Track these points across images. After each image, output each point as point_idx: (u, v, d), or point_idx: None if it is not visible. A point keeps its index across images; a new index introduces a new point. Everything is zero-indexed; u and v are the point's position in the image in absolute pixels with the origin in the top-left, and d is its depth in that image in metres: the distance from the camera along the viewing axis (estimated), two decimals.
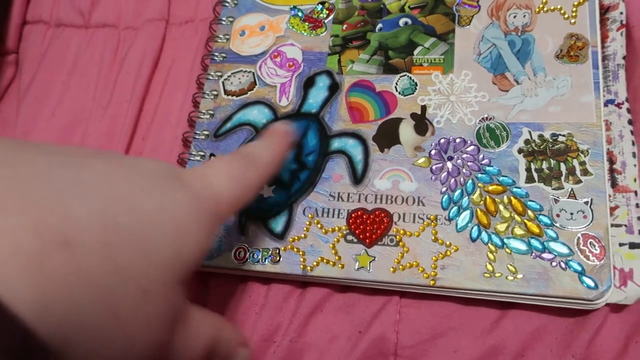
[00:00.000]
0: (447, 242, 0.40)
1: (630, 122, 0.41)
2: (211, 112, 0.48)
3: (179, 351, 0.28)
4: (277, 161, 0.36)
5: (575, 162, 0.40)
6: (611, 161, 0.40)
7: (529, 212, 0.39)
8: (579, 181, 0.39)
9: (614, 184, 0.40)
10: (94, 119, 0.52)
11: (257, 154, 0.35)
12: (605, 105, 0.42)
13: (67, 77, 0.55)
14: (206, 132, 0.48)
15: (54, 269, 0.20)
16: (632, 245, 0.38)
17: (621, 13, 0.44)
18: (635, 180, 0.39)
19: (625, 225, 0.38)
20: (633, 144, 0.40)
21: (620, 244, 0.38)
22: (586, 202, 0.39)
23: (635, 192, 0.39)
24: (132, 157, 0.30)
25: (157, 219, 0.26)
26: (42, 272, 0.20)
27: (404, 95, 0.45)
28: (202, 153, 0.47)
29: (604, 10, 0.44)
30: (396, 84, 0.46)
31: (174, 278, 0.26)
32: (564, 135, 0.41)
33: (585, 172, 0.40)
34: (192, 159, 0.47)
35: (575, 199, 0.39)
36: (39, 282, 0.19)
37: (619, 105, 0.42)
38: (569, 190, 0.39)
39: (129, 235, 0.24)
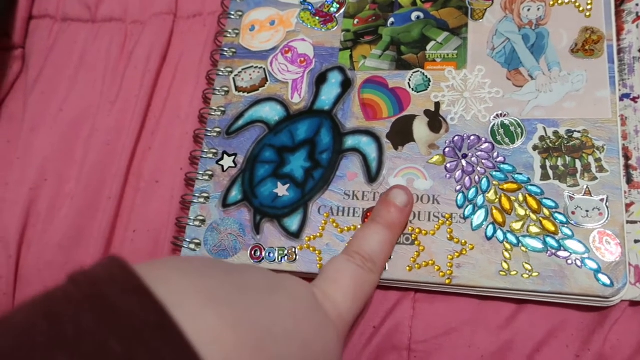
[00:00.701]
0: (463, 241, 0.40)
1: None
2: (222, 109, 0.48)
3: None
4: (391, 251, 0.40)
5: (591, 159, 0.40)
6: (627, 157, 0.40)
7: (545, 210, 0.39)
8: (595, 178, 0.39)
9: (629, 180, 0.40)
10: (101, 113, 0.52)
11: (378, 256, 0.38)
12: (621, 99, 0.41)
13: (74, 71, 0.54)
14: (218, 129, 0.47)
15: None
16: None
17: (637, 4, 0.43)
18: None
19: None
20: None
21: (636, 241, 0.38)
22: (602, 200, 0.39)
23: None
24: (282, 279, 0.33)
25: (326, 354, 0.31)
26: None
27: (417, 92, 0.45)
28: (214, 150, 0.47)
29: (620, 2, 0.44)
30: (409, 80, 0.45)
31: None
32: (579, 132, 0.41)
33: (601, 169, 0.39)
34: (204, 156, 0.47)
35: (591, 196, 0.39)
36: None
37: (634, 100, 0.41)
38: (585, 187, 0.39)
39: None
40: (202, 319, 0.23)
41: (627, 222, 0.39)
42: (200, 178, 0.46)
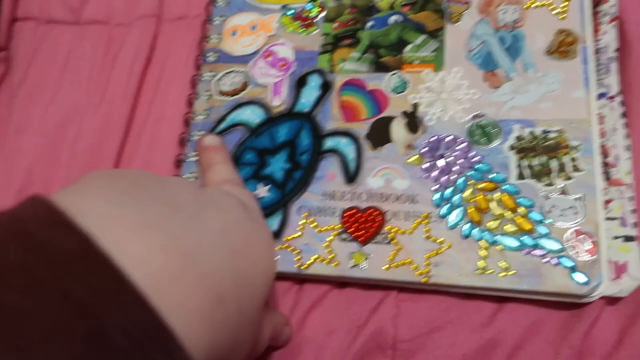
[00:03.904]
0: (440, 240, 0.40)
1: (623, 115, 0.41)
2: (206, 113, 0.48)
3: (260, 342, 0.36)
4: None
5: (566, 159, 0.40)
6: (605, 154, 0.41)
7: (520, 209, 0.40)
8: (570, 177, 0.40)
9: (607, 177, 0.40)
10: (87, 116, 0.52)
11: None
12: (598, 98, 0.42)
13: (59, 74, 0.54)
14: (201, 133, 0.48)
15: (217, 320, 0.26)
16: (627, 238, 0.38)
17: (612, 6, 0.44)
18: (628, 173, 0.40)
19: (620, 218, 0.39)
20: (627, 136, 0.41)
21: (615, 237, 0.39)
22: (577, 199, 0.39)
23: (628, 185, 0.39)
24: (211, 194, 0.33)
25: (259, 260, 0.31)
26: (212, 324, 0.26)
27: (396, 94, 0.45)
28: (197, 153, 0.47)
29: (595, 3, 0.45)
30: (387, 82, 0.46)
31: (264, 300, 0.32)
32: (555, 132, 0.41)
33: (577, 169, 0.40)
34: (188, 160, 0.47)
35: (567, 195, 0.39)
36: (211, 330, 0.26)
37: (611, 99, 0.42)
38: (560, 186, 0.40)
39: (248, 284, 0.30)
40: (128, 244, 0.24)
41: (606, 218, 0.39)
42: None
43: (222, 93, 0.49)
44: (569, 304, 0.39)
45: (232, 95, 0.48)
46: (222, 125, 0.48)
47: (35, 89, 0.54)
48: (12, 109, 0.54)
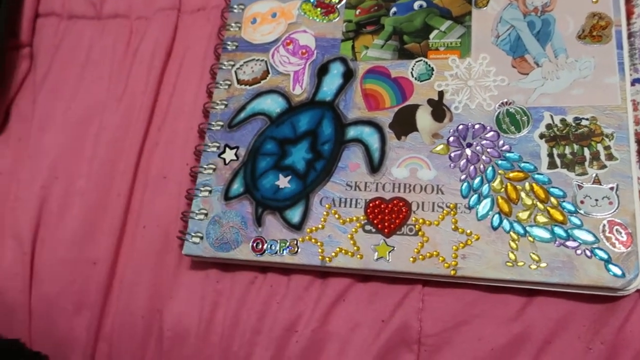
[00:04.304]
0: (468, 231, 0.39)
1: None
2: (225, 103, 0.48)
3: None
4: None
5: (600, 147, 0.39)
6: (639, 142, 0.39)
7: (552, 199, 0.38)
8: (604, 166, 0.38)
9: None
10: (109, 111, 0.52)
11: None
12: (632, 84, 0.40)
13: (80, 69, 0.55)
14: (220, 123, 0.47)
15: None
16: None
17: None
18: None
19: None
20: None
21: None
22: (611, 188, 0.38)
23: None
24: None
25: None
26: None
27: (421, 81, 0.44)
28: (217, 144, 0.46)
29: None
30: (412, 69, 0.44)
31: None
32: (587, 119, 0.40)
33: (610, 157, 0.38)
34: (207, 150, 0.46)
35: (600, 184, 0.38)
36: None
37: None
38: (594, 175, 0.38)
39: None
40: None
41: None
42: (203, 172, 0.46)
43: (242, 82, 0.48)
44: (601, 297, 0.37)
45: (252, 84, 0.48)
46: (242, 115, 0.47)
47: (57, 85, 0.55)
48: (35, 105, 0.54)
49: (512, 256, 0.38)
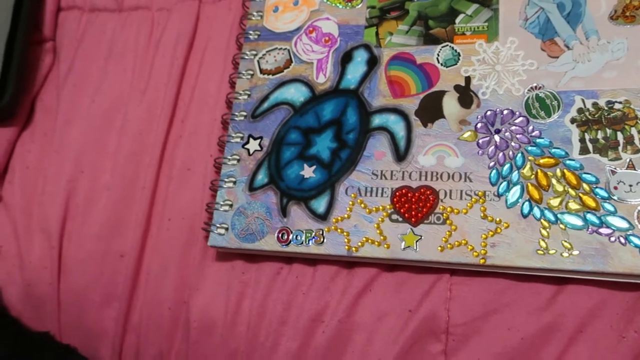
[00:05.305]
0: (497, 219, 0.38)
1: None
2: (248, 93, 0.47)
3: None
4: None
5: (634, 131, 0.38)
6: None
7: (584, 185, 0.37)
8: (638, 150, 0.37)
9: None
10: (132, 103, 0.52)
11: None
12: None
13: (104, 62, 0.55)
14: (244, 113, 0.47)
15: None
16: None
17: None
18: None
19: None
20: None
21: None
22: None
23: None
24: None
25: None
26: None
27: (447, 67, 0.43)
28: (240, 135, 0.46)
29: None
30: (438, 55, 0.44)
31: None
32: (620, 103, 0.38)
33: None
34: (231, 141, 0.46)
35: (635, 169, 0.37)
36: None
37: None
38: (628, 160, 0.37)
39: None
40: None
41: None
42: (227, 163, 0.46)
43: (265, 72, 0.48)
44: (634, 285, 0.36)
45: (275, 73, 0.47)
46: (265, 105, 0.47)
47: (81, 78, 0.55)
48: (60, 99, 0.54)
49: (543, 244, 0.37)
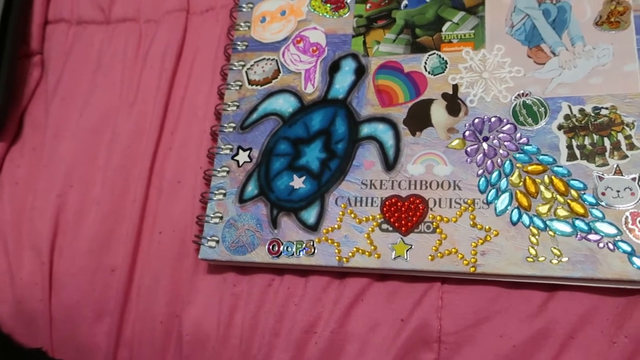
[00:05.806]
0: (487, 227, 0.38)
1: None
2: (237, 104, 0.47)
3: None
4: None
5: (620, 136, 0.38)
6: None
7: (572, 192, 0.38)
8: (625, 156, 0.37)
9: None
10: (121, 117, 0.52)
11: None
12: None
13: (92, 75, 0.54)
14: (233, 125, 0.47)
15: None
16: None
17: None
18: None
19: None
20: None
21: None
22: (634, 179, 0.37)
23: None
24: None
25: None
26: None
27: (434, 75, 0.43)
28: (230, 146, 0.46)
29: None
30: (425, 63, 0.44)
31: None
32: (606, 108, 0.39)
33: (632, 147, 0.37)
34: (220, 152, 0.46)
35: (622, 175, 0.37)
36: None
37: None
38: (615, 166, 0.37)
39: None
40: None
41: None
42: (216, 175, 0.46)
43: (253, 82, 0.48)
44: (624, 291, 0.36)
45: (263, 84, 0.47)
46: (254, 116, 0.46)
47: (69, 92, 0.55)
48: (48, 114, 0.54)
49: (532, 251, 0.37)
